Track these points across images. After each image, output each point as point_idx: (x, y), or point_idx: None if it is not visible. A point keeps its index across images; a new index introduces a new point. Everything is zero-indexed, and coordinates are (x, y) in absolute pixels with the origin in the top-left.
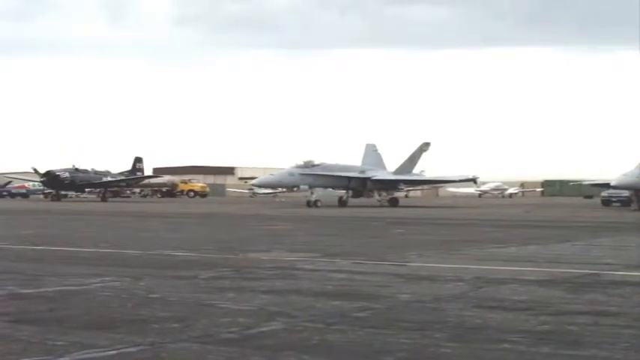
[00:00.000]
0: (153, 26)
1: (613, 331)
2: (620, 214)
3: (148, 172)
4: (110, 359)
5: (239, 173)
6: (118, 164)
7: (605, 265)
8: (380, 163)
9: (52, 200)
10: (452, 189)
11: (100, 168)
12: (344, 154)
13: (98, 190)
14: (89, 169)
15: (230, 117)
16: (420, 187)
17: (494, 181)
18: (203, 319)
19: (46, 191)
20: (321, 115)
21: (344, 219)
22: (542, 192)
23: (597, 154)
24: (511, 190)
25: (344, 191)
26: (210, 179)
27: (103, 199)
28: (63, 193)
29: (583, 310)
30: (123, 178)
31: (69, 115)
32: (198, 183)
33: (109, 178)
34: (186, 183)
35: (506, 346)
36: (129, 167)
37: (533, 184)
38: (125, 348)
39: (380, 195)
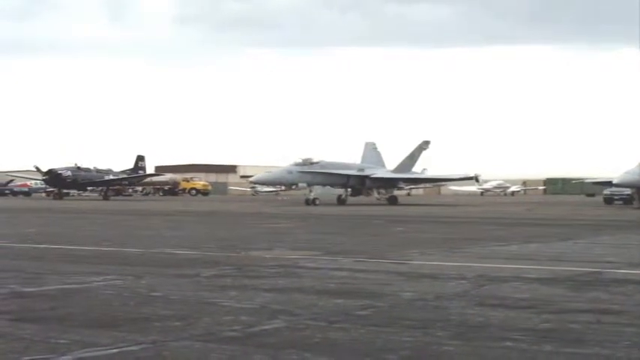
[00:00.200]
0: (154, 25)
1: (615, 329)
2: (623, 212)
3: (150, 170)
4: (112, 357)
5: (241, 171)
6: (120, 163)
7: (608, 264)
8: (379, 162)
9: (54, 199)
10: (454, 187)
11: (102, 166)
12: (344, 153)
13: (100, 188)
14: (91, 167)
15: (232, 115)
16: (421, 186)
17: (496, 180)
18: (205, 318)
19: (48, 189)
20: (322, 114)
21: (344, 217)
22: (545, 190)
23: (599, 152)
24: (513, 188)
25: (343, 189)
26: (212, 177)
27: (105, 198)
28: (65, 191)
29: (585, 308)
30: (125, 176)
31: (71, 114)
32: (200, 181)
33: (111, 177)
34: (188, 181)
35: (508, 344)
36: (131, 166)
37: (536, 182)
38: (127, 346)
39: (379, 193)
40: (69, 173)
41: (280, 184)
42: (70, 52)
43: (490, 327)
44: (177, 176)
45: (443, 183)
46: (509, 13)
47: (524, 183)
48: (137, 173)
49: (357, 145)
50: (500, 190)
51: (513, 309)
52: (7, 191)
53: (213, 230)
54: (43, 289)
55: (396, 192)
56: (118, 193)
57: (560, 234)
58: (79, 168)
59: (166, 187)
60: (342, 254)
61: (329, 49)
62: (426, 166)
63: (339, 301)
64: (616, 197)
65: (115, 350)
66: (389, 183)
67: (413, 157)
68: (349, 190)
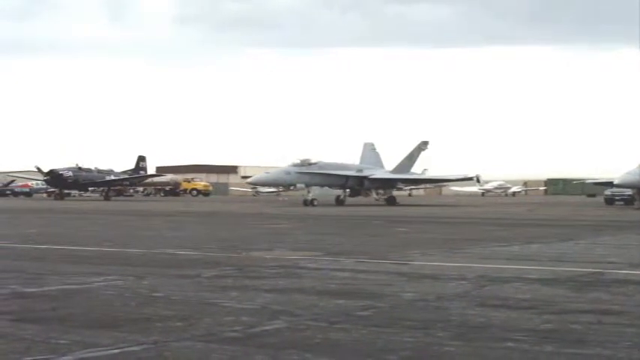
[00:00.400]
0: (154, 26)
1: (616, 329)
2: (624, 213)
3: (151, 170)
4: (113, 358)
5: (242, 172)
6: (121, 163)
7: (609, 264)
8: (378, 162)
9: (55, 199)
10: (455, 188)
11: (103, 167)
12: (344, 153)
13: (101, 188)
14: (92, 167)
15: (232, 116)
16: (422, 186)
17: (497, 180)
18: (206, 318)
19: (49, 190)
20: (322, 114)
21: (344, 218)
22: (546, 190)
23: (600, 152)
24: (514, 189)
25: (341, 190)
26: (213, 178)
27: (106, 198)
28: (66, 191)
29: (586, 308)
30: (126, 176)
31: (72, 114)
32: (201, 182)
33: (112, 177)
34: (189, 182)
35: (509, 344)
36: (132, 166)
37: (537, 182)
38: (128, 347)
39: (377, 194)
40: (70, 174)
41: (278, 184)
42: (71, 52)
43: (491, 327)
44: (179, 177)
45: (443, 184)
46: (509, 14)
47: (525, 183)
48: (138, 174)
49: (356, 146)
50: (501, 190)
51: (514, 309)
52: (8, 192)
53: (214, 231)
54: (44, 289)
55: (396, 193)
56: (119, 193)
57: (561, 234)
58: (80, 168)
59: (167, 188)
60: (343, 255)
61: (329, 50)
62: (427, 167)
63: (340, 301)
64: (617, 198)
65: (116, 351)
66: (387, 184)
67: (412, 158)
68: (348, 190)
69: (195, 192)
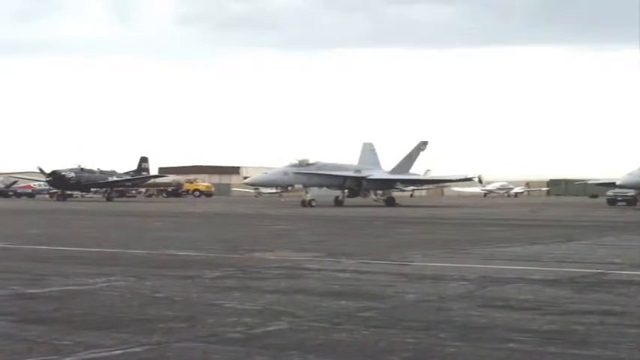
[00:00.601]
0: (156, 26)
1: (619, 330)
2: (626, 214)
3: (153, 171)
4: (116, 359)
5: (244, 173)
6: (123, 164)
7: (611, 265)
8: (376, 162)
9: (58, 200)
10: (457, 188)
11: (105, 168)
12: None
13: (104, 189)
14: (95, 168)
15: (235, 117)
16: (425, 187)
17: (499, 181)
18: (209, 319)
19: (51, 191)
20: (325, 115)
21: (344, 218)
22: (548, 191)
23: (603, 153)
24: (516, 190)
25: (339, 191)
26: (216, 179)
27: (109, 199)
28: (68, 192)
29: (589, 309)
30: (128, 177)
31: (74, 115)
32: (204, 183)
33: (115, 178)
34: (191, 183)
35: (512, 345)
36: (134, 167)
37: (539, 183)
38: (131, 348)
39: (376, 194)
40: (72, 175)
41: (276, 185)
42: (73, 52)
43: (494, 328)
44: (181, 178)
45: (445, 184)
46: (510, 14)
47: (528, 184)
48: (140, 175)
49: (356, 146)
50: (504, 191)
51: (517, 310)
52: (10, 193)
53: (216, 231)
54: (46, 290)
55: (398, 194)
56: (122, 194)
57: (564, 235)
58: (82, 169)
59: (170, 189)
60: (345, 256)
61: (330, 50)
62: (430, 168)
63: (342, 302)
64: (619, 198)
65: (118, 352)
66: (386, 184)
67: (411, 158)
68: (346, 191)
69: (197, 193)
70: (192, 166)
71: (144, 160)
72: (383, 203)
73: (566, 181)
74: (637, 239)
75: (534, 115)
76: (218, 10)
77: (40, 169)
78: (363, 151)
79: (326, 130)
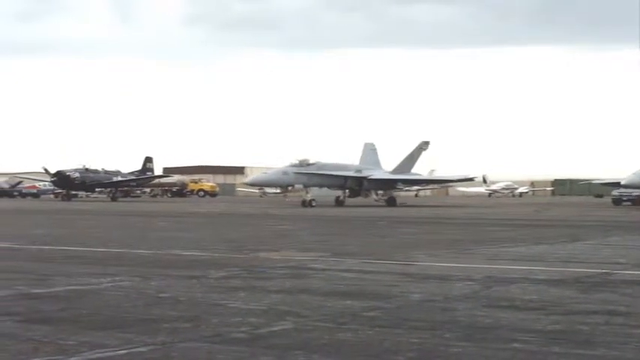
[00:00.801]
0: (161, 26)
1: (624, 330)
2: (631, 213)
3: (158, 171)
4: (121, 359)
5: (248, 173)
6: (128, 164)
7: (616, 265)
8: (378, 162)
9: (63, 200)
10: (462, 188)
11: (110, 168)
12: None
13: (108, 189)
14: (99, 168)
15: (240, 117)
16: (429, 187)
17: (504, 181)
18: (213, 319)
19: (56, 191)
20: (327, 115)
21: (346, 218)
22: (553, 191)
23: (608, 153)
24: (521, 190)
25: (340, 191)
26: (220, 179)
27: (113, 199)
28: (73, 192)
29: (594, 309)
30: (133, 177)
31: (79, 115)
32: (208, 183)
33: (119, 178)
34: (196, 183)
35: (517, 345)
36: (139, 167)
37: (544, 183)
38: (136, 347)
39: (377, 194)
40: (77, 175)
41: (276, 185)
42: (77, 52)
43: (498, 328)
44: (185, 178)
45: (449, 184)
46: (511, 14)
47: (532, 184)
48: (145, 175)
49: (358, 146)
50: (508, 191)
51: (522, 310)
52: (15, 193)
53: (221, 231)
54: (51, 290)
55: (402, 194)
56: (126, 194)
57: (569, 235)
58: (87, 169)
59: (174, 189)
60: (349, 256)
61: (331, 50)
62: (435, 167)
63: (347, 302)
64: (624, 198)
65: (123, 351)
66: (387, 184)
67: (412, 158)
68: (347, 191)
69: (202, 193)
70: (197, 166)
71: (148, 160)
72: (384, 203)
73: (571, 181)
74: None
75: (536, 115)
76: (221, 11)
77: (45, 170)
78: (364, 151)
79: (327, 130)
